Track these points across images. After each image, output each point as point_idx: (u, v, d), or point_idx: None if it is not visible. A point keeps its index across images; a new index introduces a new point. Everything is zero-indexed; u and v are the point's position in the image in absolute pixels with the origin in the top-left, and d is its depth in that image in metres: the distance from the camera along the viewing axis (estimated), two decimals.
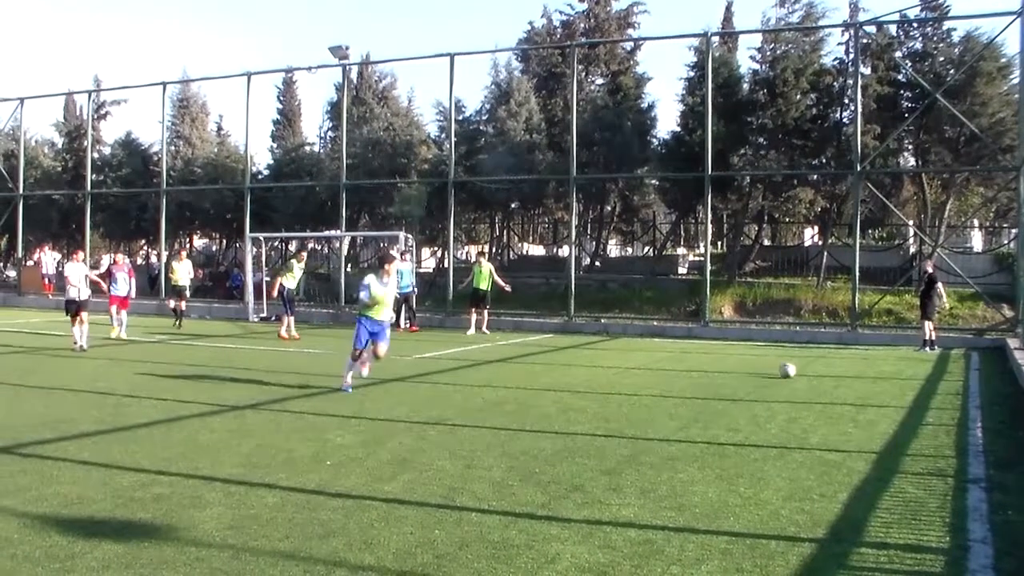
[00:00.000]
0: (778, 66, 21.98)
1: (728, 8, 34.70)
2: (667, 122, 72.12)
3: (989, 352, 15.77)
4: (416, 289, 20.79)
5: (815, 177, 23.70)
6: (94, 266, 30.14)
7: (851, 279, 18.95)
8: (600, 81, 28.80)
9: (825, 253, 24.01)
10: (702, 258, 22.19)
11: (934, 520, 4.92)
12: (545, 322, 20.68)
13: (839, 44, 24.83)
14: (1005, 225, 29.76)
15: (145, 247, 35.42)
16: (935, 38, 22.61)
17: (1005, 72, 21.05)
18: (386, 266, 9.66)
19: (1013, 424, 8.29)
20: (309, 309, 22.96)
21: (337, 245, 26.90)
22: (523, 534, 4.52)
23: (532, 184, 24.39)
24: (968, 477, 5.96)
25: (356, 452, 6.45)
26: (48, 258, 30.52)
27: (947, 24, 22.45)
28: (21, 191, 28.19)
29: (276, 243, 32.10)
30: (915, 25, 22.66)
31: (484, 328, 19.00)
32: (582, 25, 29.45)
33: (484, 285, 19.12)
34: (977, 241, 30.07)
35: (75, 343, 13.87)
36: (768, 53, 23.03)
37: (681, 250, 31.85)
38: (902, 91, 22.45)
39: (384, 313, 9.68)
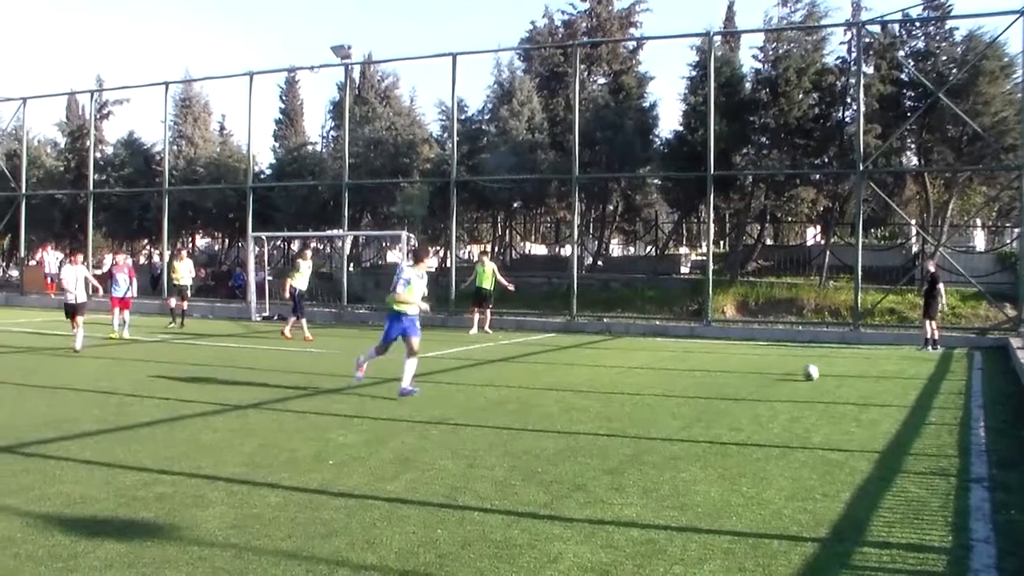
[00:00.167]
0: (780, 65, 21.96)
1: (730, 7, 34.58)
2: (669, 121, 71.54)
3: (992, 351, 15.73)
4: None
5: (817, 176, 23.65)
6: (96, 266, 30.30)
7: (853, 278, 18.95)
8: (602, 80, 28.74)
9: (827, 252, 23.98)
10: (704, 257, 22.17)
11: (937, 519, 4.92)
12: (547, 321, 20.70)
13: (841, 43, 24.72)
14: (1008, 224, 29.69)
15: (148, 247, 35.43)
16: (937, 37, 22.55)
17: (1008, 71, 21.01)
18: (423, 260, 9.69)
19: (1016, 424, 8.27)
20: (312, 309, 22.90)
21: (339, 244, 26.92)
22: (525, 533, 4.52)
23: (534, 183, 24.38)
24: (971, 476, 5.95)
25: (358, 451, 6.46)
26: (50, 258, 30.61)
27: (949, 23, 22.37)
28: (24, 191, 28.25)
29: (278, 242, 32.14)
30: (917, 24, 22.61)
31: (486, 327, 19.02)
32: (584, 24, 29.39)
33: (486, 284, 19.14)
34: (980, 240, 30.04)
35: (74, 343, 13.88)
36: (770, 52, 23.02)
37: (683, 249, 31.83)
38: (904, 90, 22.43)
39: (413, 308, 9.67)
